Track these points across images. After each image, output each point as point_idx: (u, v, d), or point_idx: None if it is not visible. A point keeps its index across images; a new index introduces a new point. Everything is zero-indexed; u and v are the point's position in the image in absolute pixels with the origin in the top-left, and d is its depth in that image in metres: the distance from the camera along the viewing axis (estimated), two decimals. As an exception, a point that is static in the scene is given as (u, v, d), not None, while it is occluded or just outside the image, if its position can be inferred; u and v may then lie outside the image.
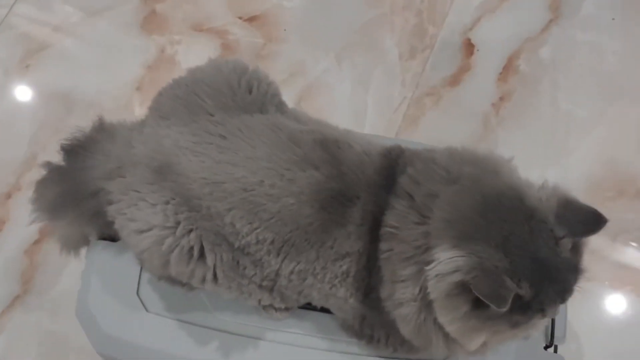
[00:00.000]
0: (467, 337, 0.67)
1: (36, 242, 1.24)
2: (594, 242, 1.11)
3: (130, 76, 1.36)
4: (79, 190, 0.80)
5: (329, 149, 0.73)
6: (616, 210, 1.18)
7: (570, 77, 1.31)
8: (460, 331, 0.66)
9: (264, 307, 0.80)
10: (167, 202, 0.71)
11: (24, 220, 1.29)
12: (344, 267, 0.71)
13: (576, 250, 0.68)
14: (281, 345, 0.79)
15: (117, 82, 1.36)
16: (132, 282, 0.82)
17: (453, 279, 0.62)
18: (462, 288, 0.62)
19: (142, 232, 0.72)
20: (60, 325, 1.16)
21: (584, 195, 1.15)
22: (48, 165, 0.84)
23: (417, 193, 0.69)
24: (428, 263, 0.64)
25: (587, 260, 1.08)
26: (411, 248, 0.67)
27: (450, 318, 0.65)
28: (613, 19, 1.35)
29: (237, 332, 0.78)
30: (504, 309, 0.61)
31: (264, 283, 0.75)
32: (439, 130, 1.27)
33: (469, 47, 1.36)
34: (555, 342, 0.81)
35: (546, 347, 0.81)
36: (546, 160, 1.23)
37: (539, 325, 0.71)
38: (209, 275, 0.72)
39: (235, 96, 0.78)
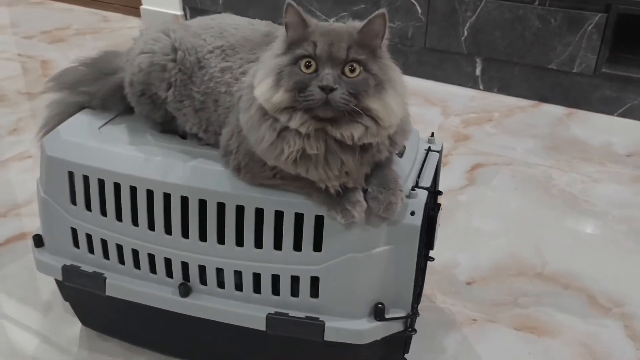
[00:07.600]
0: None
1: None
2: (501, 299, 1.30)
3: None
4: (101, 72, 1.11)
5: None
6: (517, 283, 1.39)
7: (479, 210, 1.64)
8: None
9: (191, 135, 1.04)
10: (168, 32, 1.03)
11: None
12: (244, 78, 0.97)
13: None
14: (192, 166, 0.99)
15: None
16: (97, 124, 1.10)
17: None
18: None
19: (142, 52, 1.02)
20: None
21: (493, 272, 1.39)
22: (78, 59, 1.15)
23: None
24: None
25: (495, 311, 1.24)
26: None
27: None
28: (515, 188, 1.74)
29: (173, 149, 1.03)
30: None
31: (197, 105, 1.00)
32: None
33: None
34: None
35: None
36: (462, 248, 1.49)
37: None
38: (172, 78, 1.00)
39: None
